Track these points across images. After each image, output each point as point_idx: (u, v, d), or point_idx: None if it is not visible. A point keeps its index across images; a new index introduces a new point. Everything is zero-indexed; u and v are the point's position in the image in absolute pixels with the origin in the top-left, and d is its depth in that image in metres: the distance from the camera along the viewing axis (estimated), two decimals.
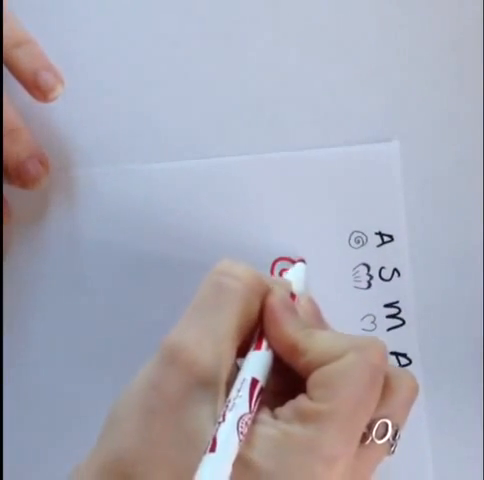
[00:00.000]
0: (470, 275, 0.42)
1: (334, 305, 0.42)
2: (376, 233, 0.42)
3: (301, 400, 0.30)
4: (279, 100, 0.43)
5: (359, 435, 0.30)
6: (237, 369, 0.32)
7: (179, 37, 0.43)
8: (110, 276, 0.42)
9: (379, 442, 0.31)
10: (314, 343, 0.31)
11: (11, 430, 0.41)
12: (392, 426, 0.31)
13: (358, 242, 0.42)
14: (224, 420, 0.28)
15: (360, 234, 0.42)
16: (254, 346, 0.32)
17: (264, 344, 0.32)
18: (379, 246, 0.42)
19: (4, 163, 0.40)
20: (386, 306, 0.42)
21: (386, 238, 0.42)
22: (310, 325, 0.33)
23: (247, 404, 0.29)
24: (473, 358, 0.42)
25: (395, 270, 0.42)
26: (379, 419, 0.31)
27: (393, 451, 0.32)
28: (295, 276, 0.38)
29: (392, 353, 0.42)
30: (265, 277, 0.34)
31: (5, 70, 0.39)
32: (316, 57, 0.43)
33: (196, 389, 0.29)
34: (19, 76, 0.39)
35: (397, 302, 0.42)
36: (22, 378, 0.42)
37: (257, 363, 0.31)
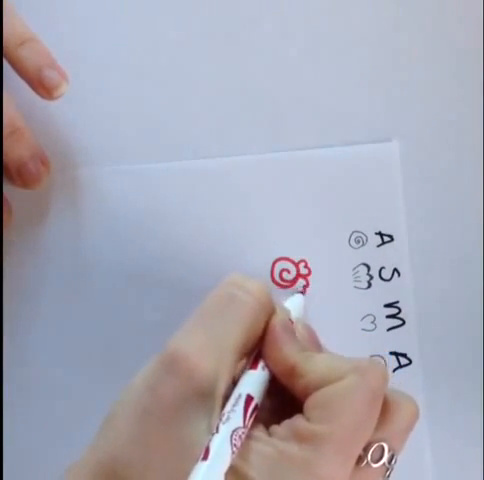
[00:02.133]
0: (470, 275, 0.42)
1: (334, 305, 0.42)
2: (376, 233, 0.42)
3: (298, 420, 0.30)
4: (279, 100, 0.43)
5: (355, 457, 0.30)
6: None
7: (179, 37, 0.43)
8: (111, 275, 0.42)
9: (374, 466, 0.31)
10: (313, 366, 0.31)
11: (11, 430, 0.41)
12: (388, 450, 0.31)
13: (358, 242, 0.42)
14: (218, 432, 0.28)
15: (360, 234, 0.42)
16: (250, 364, 0.32)
17: (260, 364, 0.32)
18: (379, 246, 0.42)
19: (5, 163, 0.40)
20: (386, 306, 0.42)
21: (386, 238, 0.42)
22: (308, 349, 0.33)
23: (241, 419, 0.29)
24: (473, 358, 0.42)
25: (395, 270, 0.42)
26: (375, 442, 0.31)
27: (388, 475, 0.32)
28: (293, 304, 0.38)
29: (392, 353, 0.42)
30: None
31: (6, 70, 0.39)
32: (316, 57, 0.43)
33: (193, 399, 0.29)
34: (23, 74, 0.39)
35: (397, 302, 0.42)
36: (22, 378, 0.42)
37: (253, 381, 0.31)
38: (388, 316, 0.42)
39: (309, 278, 0.42)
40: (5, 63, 0.39)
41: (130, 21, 0.43)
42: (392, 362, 0.42)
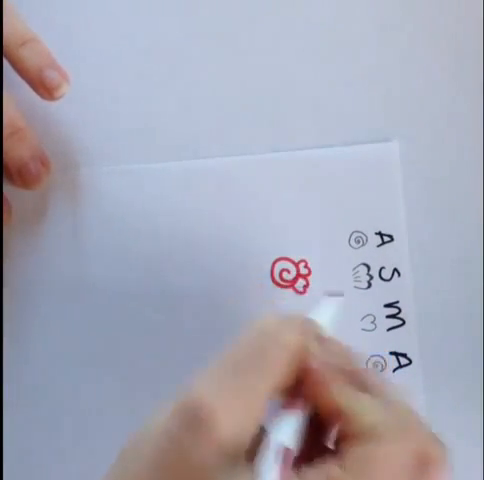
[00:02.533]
0: (470, 275, 0.42)
1: None
2: (376, 233, 0.42)
3: (333, 469, 0.28)
4: (279, 100, 0.43)
5: None
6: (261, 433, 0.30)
7: (179, 37, 0.43)
8: (111, 275, 0.42)
9: None
10: (361, 413, 0.29)
11: (11, 430, 0.41)
12: None
13: (358, 242, 0.42)
14: None
15: (360, 234, 0.42)
16: (286, 405, 0.30)
17: (298, 407, 0.30)
18: (379, 246, 0.42)
19: (6, 163, 0.40)
20: (386, 306, 0.42)
21: (386, 238, 0.42)
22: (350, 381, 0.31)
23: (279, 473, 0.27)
24: (473, 358, 0.42)
25: (395, 270, 0.42)
26: None
27: None
28: (326, 312, 0.35)
29: (392, 353, 0.42)
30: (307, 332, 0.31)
31: (6, 70, 0.39)
32: (316, 57, 0.43)
33: (214, 456, 0.27)
34: (24, 74, 0.39)
35: (397, 302, 0.42)
36: (22, 378, 0.42)
37: (289, 429, 0.29)
38: (388, 316, 0.42)
39: (309, 278, 0.42)
40: (5, 63, 0.39)
41: (130, 21, 0.43)
42: (392, 362, 0.42)
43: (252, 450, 0.28)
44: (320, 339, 0.31)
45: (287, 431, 0.28)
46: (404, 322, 0.42)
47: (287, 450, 0.28)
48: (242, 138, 0.43)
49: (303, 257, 0.42)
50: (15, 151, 0.40)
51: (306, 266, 0.42)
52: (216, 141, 0.43)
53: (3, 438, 0.41)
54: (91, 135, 0.43)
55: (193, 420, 0.27)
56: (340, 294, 0.36)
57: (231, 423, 0.27)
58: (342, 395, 0.30)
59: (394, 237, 0.42)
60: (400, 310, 0.42)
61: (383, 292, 0.42)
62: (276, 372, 0.29)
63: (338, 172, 0.42)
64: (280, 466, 0.27)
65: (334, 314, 0.34)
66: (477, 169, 0.43)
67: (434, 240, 0.42)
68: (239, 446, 0.27)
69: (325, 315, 0.33)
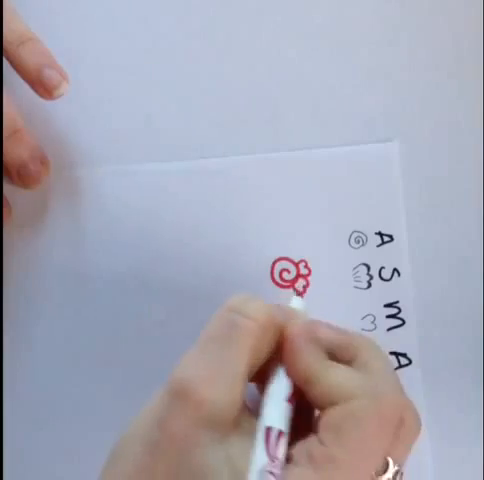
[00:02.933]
0: (470, 275, 0.42)
1: (333, 306, 0.42)
2: (376, 233, 0.42)
3: (312, 443, 0.30)
4: (279, 100, 0.43)
5: (368, 476, 0.30)
6: (246, 406, 0.31)
7: (179, 37, 0.43)
8: (111, 275, 0.42)
9: (379, 478, 0.31)
10: (328, 377, 0.31)
11: (11, 430, 0.41)
12: (393, 464, 0.31)
13: (358, 242, 0.42)
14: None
15: (360, 234, 0.42)
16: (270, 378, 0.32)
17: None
18: (379, 246, 0.42)
19: (5, 164, 0.40)
20: (386, 306, 0.42)
21: (386, 238, 0.42)
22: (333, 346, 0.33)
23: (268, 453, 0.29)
24: (473, 358, 0.42)
25: (395, 270, 0.42)
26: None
27: None
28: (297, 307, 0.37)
29: (392, 353, 0.42)
30: (280, 310, 0.34)
31: (5, 70, 0.39)
32: (316, 57, 0.43)
33: (204, 429, 0.29)
34: (23, 74, 0.39)
35: (397, 302, 0.42)
36: (23, 377, 0.42)
37: (278, 414, 0.31)
38: (388, 316, 0.42)
39: (309, 278, 0.42)
40: (5, 63, 0.39)
41: (130, 21, 0.43)
42: (392, 362, 0.42)
43: (240, 420, 0.30)
44: (291, 314, 0.34)
45: (276, 412, 0.30)
46: (404, 322, 0.42)
47: (276, 431, 0.29)
48: (242, 138, 0.43)
49: (303, 257, 0.42)
50: (14, 151, 0.40)
51: (306, 266, 0.42)
52: (216, 141, 0.43)
53: (3, 438, 0.41)
54: (91, 135, 0.43)
55: (176, 398, 0.29)
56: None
57: (213, 395, 0.29)
58: (316, 364, 0.31)
59: (394, 237, 0.42)
60: (400, 310, 0.42)
61: (383, 292, 0.42)
62: (246, 341, 0.31)
63: (338, 172, 0.42)
64: (270, 447, 0.29)
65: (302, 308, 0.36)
66: (477, 169, 0.43)
67: (434, 240, 0.42)
68: (225, 418, 0.29)
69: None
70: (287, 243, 0.42)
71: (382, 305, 0.42)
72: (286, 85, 0.43)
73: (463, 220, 0.43)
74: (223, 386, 0.29)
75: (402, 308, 0.42)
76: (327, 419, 0.30)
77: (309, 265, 0.42)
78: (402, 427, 0.31)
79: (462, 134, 0.43)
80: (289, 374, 0.32)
